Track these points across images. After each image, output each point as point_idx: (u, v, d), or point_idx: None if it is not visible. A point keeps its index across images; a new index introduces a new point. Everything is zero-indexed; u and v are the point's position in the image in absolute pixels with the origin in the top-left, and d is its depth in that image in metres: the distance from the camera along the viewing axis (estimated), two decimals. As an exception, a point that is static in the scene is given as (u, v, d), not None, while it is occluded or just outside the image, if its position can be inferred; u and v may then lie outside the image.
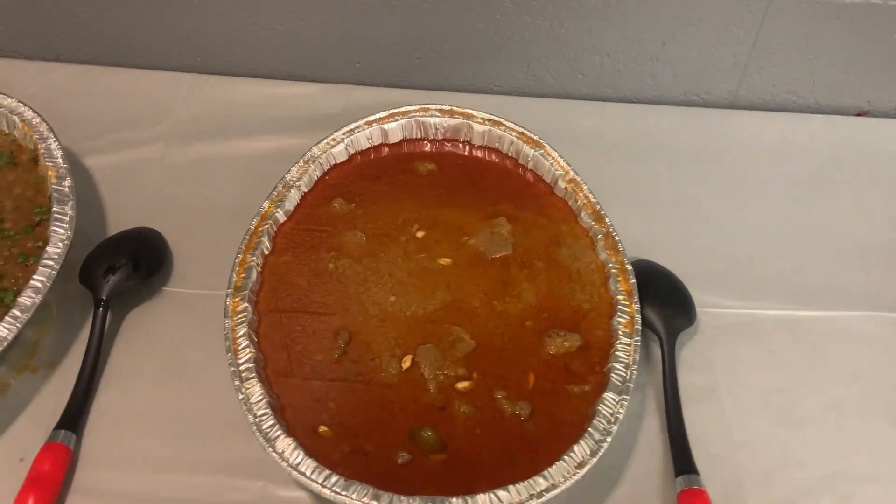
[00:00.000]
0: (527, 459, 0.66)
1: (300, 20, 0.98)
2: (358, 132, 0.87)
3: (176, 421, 0.73)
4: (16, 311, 0.70)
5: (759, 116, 1.02)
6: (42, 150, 0.82)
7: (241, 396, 0.67)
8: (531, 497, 0.63)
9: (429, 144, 0.89)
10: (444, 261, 0.79)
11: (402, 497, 0.62)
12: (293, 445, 0.64)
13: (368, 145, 0.88)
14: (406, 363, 0.72)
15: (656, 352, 0.79)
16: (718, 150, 0.98)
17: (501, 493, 0.63)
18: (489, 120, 0.88)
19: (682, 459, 0.71)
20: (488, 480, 0.64)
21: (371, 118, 0.88)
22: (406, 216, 0.82)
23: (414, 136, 0.89)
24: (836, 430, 0.76)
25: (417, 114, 0.88)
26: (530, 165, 0.87)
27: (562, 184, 0.84)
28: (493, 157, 0.89)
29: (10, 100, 0.85)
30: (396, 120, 0.88)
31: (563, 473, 0.64)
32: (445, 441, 0.68)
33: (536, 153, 0.86)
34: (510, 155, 0.88)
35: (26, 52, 1.02)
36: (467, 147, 0.89)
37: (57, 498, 0.67)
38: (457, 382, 0.71)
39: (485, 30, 0.97)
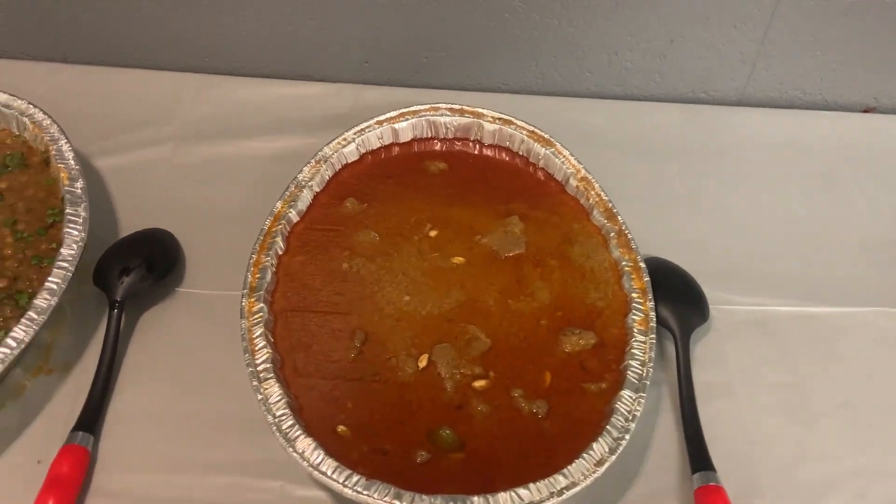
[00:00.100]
0: (545, 457, 0.67)
1: (308, 20, 0.98)
2: (369, 132, 0.87)
3: (192, 421, 0.73)
4: (32, 314, 0.70)
5: (766, 114, 1.03)
6: (53, 152, 0.81)
7: (259, 397, 0.66)
8: (551, 495, 0.63)
9: (439, 144, 0.89)
10: (458, 260, 0.79)
11: (424, 496, 0.62)
12: (313, 445, 0.64)
13: (379, 145, 0.88)
14: (422, 362, 0.72)
15: (670, 349, 0.79)
16: (726, 148, 0.98)
17: (522, 491, 0.63)
18: (499, 119, 0.88)
19: (698, 456, 0.71)
20: (507, 479, 0.64)
21: (381, 118, 0.88)
22: (418, 215, 0.82)
23: (424, 136, 0.89)
24: (851, 426, 0.76)
25: (428, 113, 0.88)
26: (541, 164, 0.87)
27: (573, 182, 0.84)
28: (504, 155, 0.89)
29: (20, 101, 0.85)
30: (407, 119, 0.88)
31: (582, 471, 0.64)
32: (464, 440, 0.68)
33: (547, 151, 0.86)
34: (521, 153, 0.88)
35: (33, 53, 1.02)
36: (477, 146, 0.89)
37: (76, 500, 0.67)
38: (473, 381, 0.71)
39: (493, 28, 0.97)
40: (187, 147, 0.94)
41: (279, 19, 0.98)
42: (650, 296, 0.76)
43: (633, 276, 0.77)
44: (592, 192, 0.83)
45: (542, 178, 0.87)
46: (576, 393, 0.71)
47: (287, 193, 0.81)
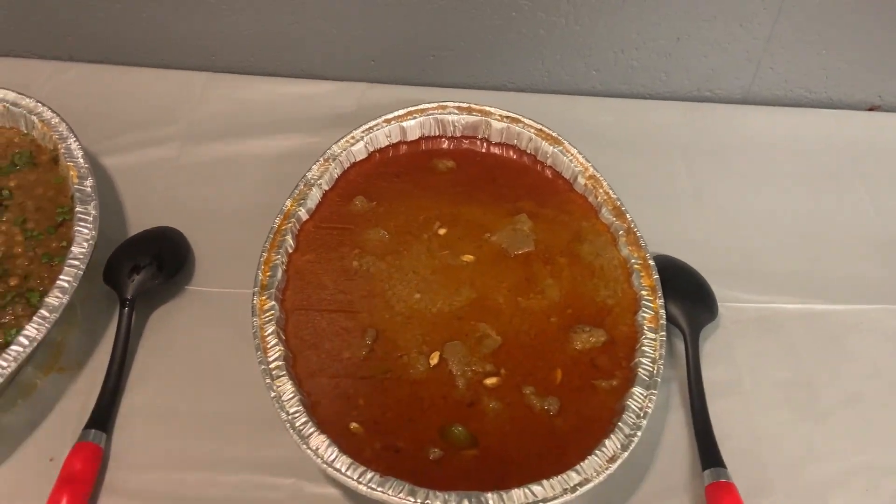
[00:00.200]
0: (557, 454, 0.67)
1: (314, 18, 0.98)
2: (377, 130, 0.87)
3: (203, 419, 0.73)
4: (44, 312, 0.70)
5: (771, 112, 1.03)
6: (62, 150, 0.81)
7: (272, 394, 0.67)
8: (565, 491, 0.63)
9: (447, 142, 0.90)
10: (467, 258, 0.79)
11: (438, 493, 0.62)
12: (327, 442, 0.64)
13: (387, 143, 0.88)
14: (434, 360, 0.72)
15: (679, 347, 0.79)
16: (732, 146, 0.99)
17: (536, 487, 0.63)
18: (507, 117, 0.89)
19: (708, 453, 0.71)
20: (519, 475, 0.64)
21: (389, 116, 0.88)
22: (427, 214, 0.82)
23: (432, 134, 0.89)
24: (859, 423, 0.76)
25: (436, 111, 0.89)
26: (549, 162, 0.87)
27: (581, 180, 0.85)
28: (512, 153, 0.89)
29: (28, 100, 0.85)
30: (415, 117, 0.88)
31: (595, 468, 0.65)
32: (476, 437, 0.68)
33: (555, 150, 0.86)
34: (528, 152, 0.88)
35: (39, 52, 1.02)
36: (485, 144, 0.90)
37: (89, 497, 0.67)
38: (485, 378, 0.71)
39: (500, 27, 0.97)
40: (194, 145, 0.94)
41: (285, 17, 0.98)
42: (660, 293, 0.76)
43: (642, 274, 0.78)
44: (601, 190, 0.83)
45: (550, 176, 0.87)
46: (587, 390, 0.71)
47: (296, 192, 0.81)
